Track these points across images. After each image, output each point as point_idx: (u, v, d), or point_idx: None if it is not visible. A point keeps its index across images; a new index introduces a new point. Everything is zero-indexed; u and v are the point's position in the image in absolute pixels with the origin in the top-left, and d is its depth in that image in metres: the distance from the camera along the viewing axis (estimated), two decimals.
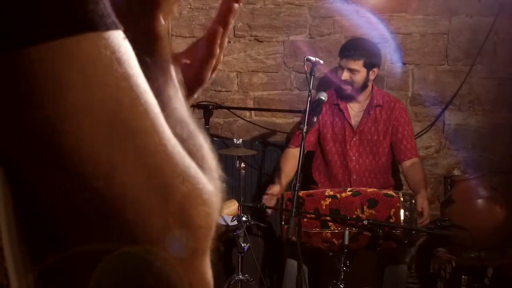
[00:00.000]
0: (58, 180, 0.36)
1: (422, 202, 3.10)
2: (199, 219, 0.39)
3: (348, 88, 3.30)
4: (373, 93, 3.40)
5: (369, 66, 3.29)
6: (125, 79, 0.38)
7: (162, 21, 0.50)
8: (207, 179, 0.42)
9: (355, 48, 3.30)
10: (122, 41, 0.39)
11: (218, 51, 0.63)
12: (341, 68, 3.30)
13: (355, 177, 3.38)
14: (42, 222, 0.37)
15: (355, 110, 3.42)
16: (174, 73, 0.50)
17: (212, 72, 0.66)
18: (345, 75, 3.28)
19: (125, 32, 0.40)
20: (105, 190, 0.36)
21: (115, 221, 0.37)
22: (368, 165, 3.39)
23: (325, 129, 3.41)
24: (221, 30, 0.63)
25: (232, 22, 0.64)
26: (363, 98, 3.40)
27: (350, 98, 3.38)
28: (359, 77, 3.29)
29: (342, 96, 3.39)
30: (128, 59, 0.39)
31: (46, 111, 0.36)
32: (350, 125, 3.40)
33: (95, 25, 0.38)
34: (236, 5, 0.64)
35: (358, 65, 3.27)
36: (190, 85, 0.61)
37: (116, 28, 0.39)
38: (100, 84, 0.37)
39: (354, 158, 3.39)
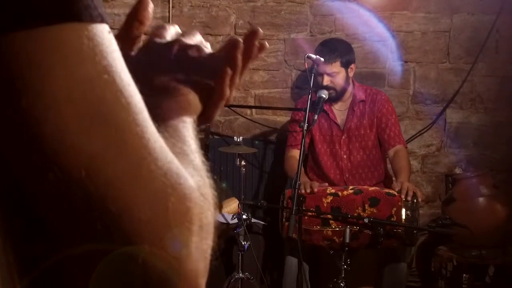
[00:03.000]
0: (40, 169, 0.36)
1: (401, 183, 2.94)
2: (180, 213, 0.39)
3: (332, 92, 3.26)
4: (355, 89, 3.38)
5: (346, 65, 3.28)
6: (108, 72, 0.38)
7: None
8: (190, 175, 0.42)
9: (328, 51, 3.24)
10: (107, 35, 0.39)
11: (229, 92, 0.58)
12: (320, 74, 3.25)
13: (347, 175, 3.37)
14: (27, 216, 0.37)
15: (339, 109, 3.40)
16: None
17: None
18: (326, 80, 3.24)
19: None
20: (86, 181, 0.36)
21: (98, 213, 0.37)
22: (361, 161, 3.37)
23: (313, 131, 3.39)
24: (229, 72, 0.56)
25: (239, 58, 0.56)
26: (346, 96, 3.38)
27: (335, 100, 3.36)
28: (340, 78, 3.27)
29: (327, 100, 3.34)
30: (113, 52, 0.39)
31: (28, 99, 0.35)
32: (337, 124, 3.38)
33: (79, 15, 0.37)
34: (241, 42, 0.56)
35: (336, 67, 3.24)
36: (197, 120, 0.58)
37: (102, 21, 0.39)
38: (82, 75, 0.37)
39: (345, 156, 3.37)
